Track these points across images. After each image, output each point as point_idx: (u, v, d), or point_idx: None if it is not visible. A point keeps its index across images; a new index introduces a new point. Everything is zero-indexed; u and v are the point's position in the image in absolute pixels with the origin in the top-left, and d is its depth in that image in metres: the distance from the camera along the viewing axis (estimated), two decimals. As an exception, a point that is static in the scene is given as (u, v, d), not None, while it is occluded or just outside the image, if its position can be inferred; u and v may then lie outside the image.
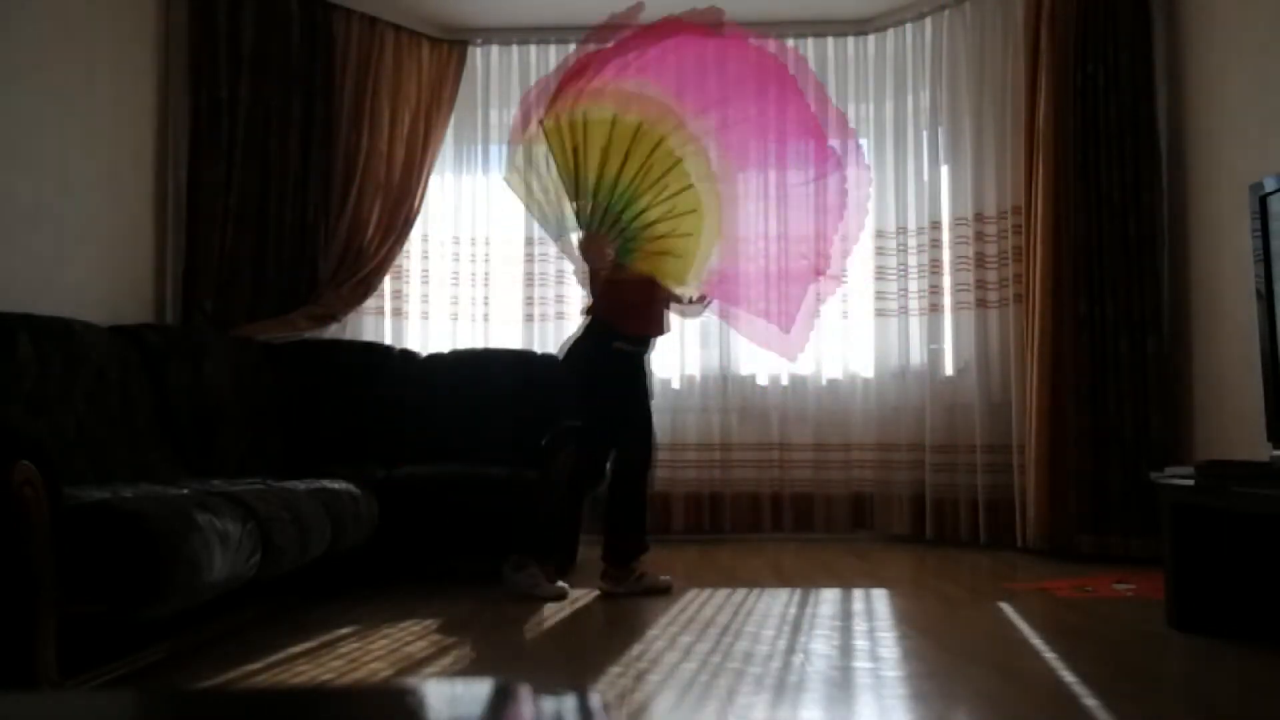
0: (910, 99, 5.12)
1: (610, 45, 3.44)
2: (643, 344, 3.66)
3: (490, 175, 5.32)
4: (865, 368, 5.12)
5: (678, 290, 3.69)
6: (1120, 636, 2.83)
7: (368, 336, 4.96)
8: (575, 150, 3.44)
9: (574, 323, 5.16)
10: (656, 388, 5.14)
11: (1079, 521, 4.16)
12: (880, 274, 5.12)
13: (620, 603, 3.40)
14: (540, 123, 3.43)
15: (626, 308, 3.56)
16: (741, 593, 3.52)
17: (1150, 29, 4.24)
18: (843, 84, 5.22)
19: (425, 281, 5.26)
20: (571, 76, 3.44)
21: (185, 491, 2.66)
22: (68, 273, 3.76)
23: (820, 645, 2.73)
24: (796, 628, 2.96)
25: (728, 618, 3.10)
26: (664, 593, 3.54)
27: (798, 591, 3.55)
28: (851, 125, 3.96)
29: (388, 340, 5.01)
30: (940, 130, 4.98)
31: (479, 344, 5.13)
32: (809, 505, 5.09)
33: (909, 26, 5.11)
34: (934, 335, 4.96)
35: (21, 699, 0.98)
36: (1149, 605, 3.15)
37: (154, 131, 4.40)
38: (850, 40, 5.23)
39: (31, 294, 3.46)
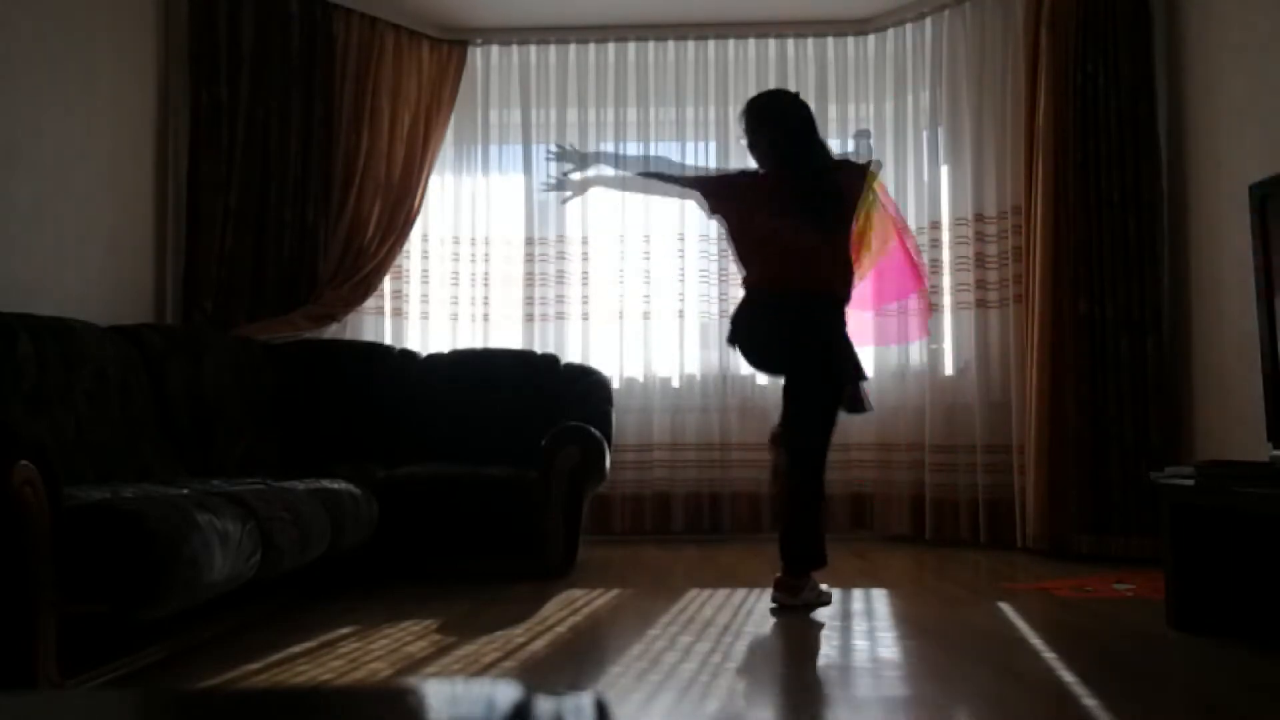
0: (910, 99, 5.12)
1: None
2: None
3: (490, 175, 5.33)
4: (865, 368, 5.11)
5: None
6: (1120, 636, 2.83)
7: (368, 336, 4.96)
8: None
9: (574, 322, 5.18)
10: (656, 386, 5.16)
11: (1079, 521, 4.15)
12: (880, 274, 5.12)
13: (620, 604, 3.40)
14: None
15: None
16: (741, 593, 3.52)
17: (1150, 29, 4.24)
18: (843, 84, 5.23)
19: (425, 281, 5.26)
20: None
21: (185, 491, 2.66)
22: (68, 273, 3.76)
23: (820, 645, 2.73)
24: (796, 628, 2.96)
25: (728, 618, 3.10)
26: (827, 605, 3.22)
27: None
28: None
29: (388, 340, 5.01)
30: (940, 130, 4.98)
31: (479, 344, 5.14)
32: (809, 505, 5.08)
33: (909, 26, 5.11)
34: (934, 335, 4.96)
35: (21, 699, 0.99)
36: (1149, 605, 3.14)
37: (154, 131, 4.40)
38: (850, 40, 5.23)
39: (31, 294, 3.47)
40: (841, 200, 3.30)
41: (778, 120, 3.37)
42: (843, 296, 3.32)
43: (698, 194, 3.50)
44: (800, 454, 3.25)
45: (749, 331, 3.33)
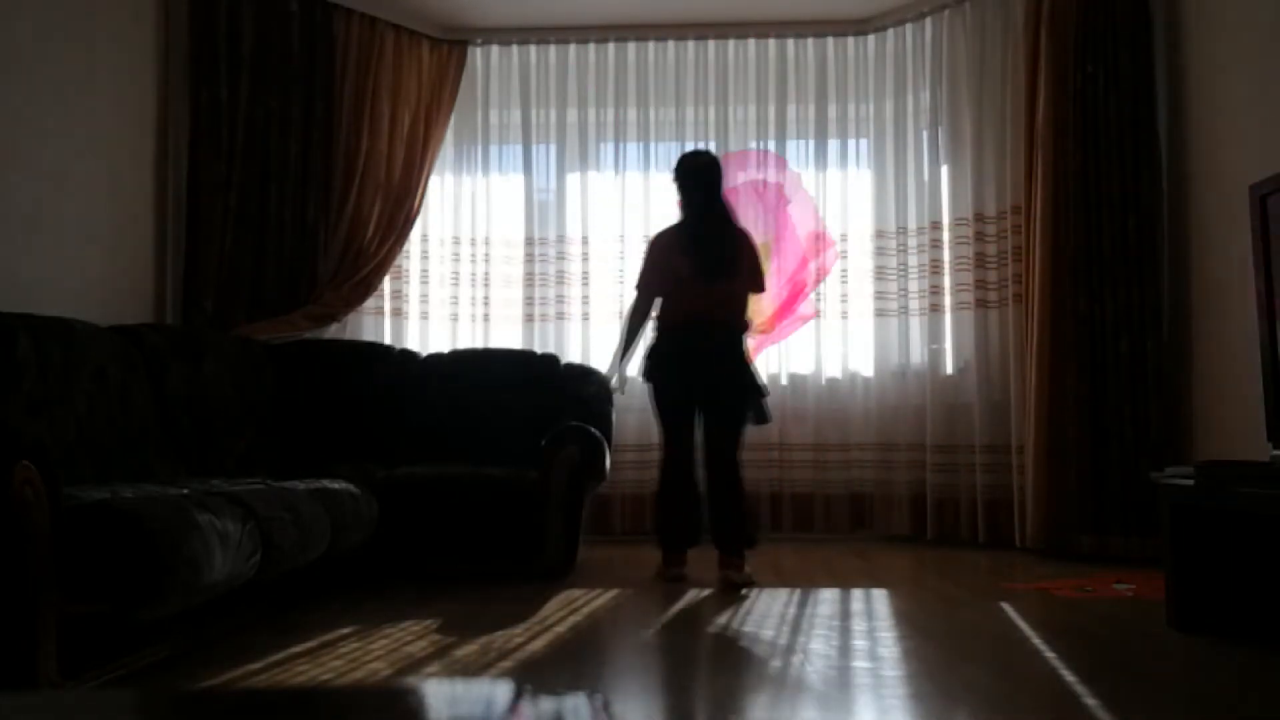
0: (910, 99, 5.12)
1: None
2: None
3: (490, 175, 5.33)
4: (865, 367, 5.13)
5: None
6: (1120, 636, 2.83)
7: (368, 336, 4.96)
8: None
9: (574, 323, 5.18)
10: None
11: (1079, 521, 4.15)
12: (880, 274, 5.12)
13: (620, 604, 3.40)
14: None
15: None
16: (741, 592, 3.52)
17: (1150, 29, 4.24)
18: (843, 84, 5.23)
19: (425, 281, 5.26)
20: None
21: (185, 491, 2.66)
22: (68, 273, 3.76)
23: (820, 645, 2.73)
24: (796, 627, 2.96)
25: (726, 617, 3.10)
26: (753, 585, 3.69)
27: (797, 591, 3.55)
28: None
29: (388, 340, 5.02)
30: (940, 130, 4.98)
31: (479, 344, 5.14)
32: (808, 505, 5.09)
33: (909, 26, 5.11)
34: (934, 335, 4.96)
35: (21, 699, 0.99)
36: (1149, 605, 3.15)
37: (154, 131, 4.40)
38: (850, 40, 5.23)
39: (31, 294, 3.47)
40: (739, 252, 3.86)
41: (695, 179, 3.94)
42: (741, 327, 3.87)
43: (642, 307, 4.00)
44: (729, 461, 3.80)
45: (669, 361, 3.84)
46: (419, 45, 5.13)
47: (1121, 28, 4.23)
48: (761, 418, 3.87)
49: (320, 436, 4.21)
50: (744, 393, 3.82)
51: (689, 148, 5.22)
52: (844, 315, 5.17)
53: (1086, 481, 4.16)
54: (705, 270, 3.79)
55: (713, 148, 5.28)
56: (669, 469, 3.87)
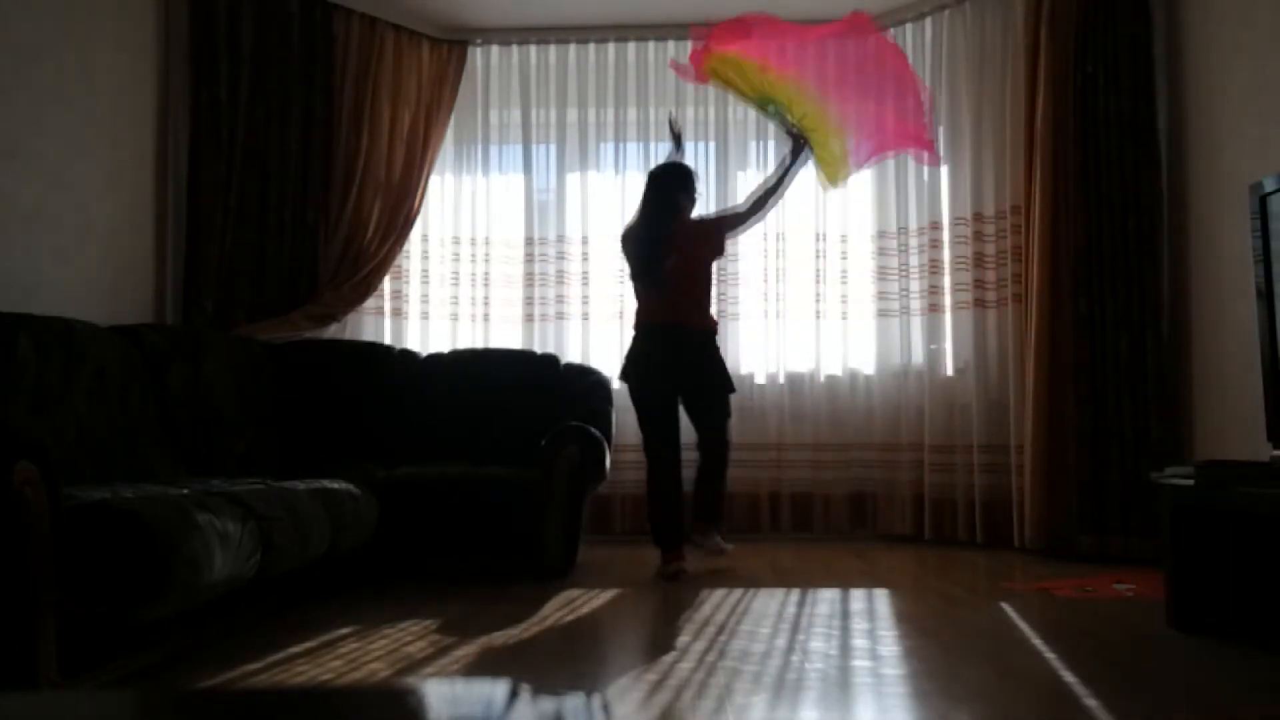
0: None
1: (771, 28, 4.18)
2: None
3: (490, 175, 5.33)
4: (865, 367, 5.13)
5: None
6: (1120, 636, 2.83)
7: (368, 336, 4.96)
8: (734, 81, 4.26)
9: (574, 322, 5.19)
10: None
11: (1079, 521, 4.15)
12: (881, 274, 5.12)
13: (620, 604, 3.40)
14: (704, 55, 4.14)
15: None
16: (739, 592, 3.52)
17: (1150, 29, 4.24)
18: (843, 84, 5.22)
19: (425, 281, 5.26)
20: (734, 33, 4.11)
21: (185, 491, 2.66)
22: (68, 273, 3.76)
23: (819, 645, 2.73)
24: (795, 627, 2.96)
25: (725, 617, 3.10)
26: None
27: (796, 591, 3.55)
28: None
29: (388, 340, 5.01)
30: (940, 130, 4.98)
31: (479, 344, 5.14)
32: (808, 505, 5.08)
33: (909, 26, 5.10)
34: (934, 335, 4.96)
35: (21, 699, 0.99)
36: (1149, 605, 3.15)
37: (154, 131, 4.40)
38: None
39: (31, 294, 3.47)
40: (669, 245, 3.97)
41: (651, 186, 4.15)
42: (703, 326, 4.04)
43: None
44: (722, 440, 4.12)
45: (641, 363, 4.02)
46: (419, 45, 5.13)
47: (1121, 28, 4.23)
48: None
49: (320, 436, 4.21)
50: (716, 384, 4.08)
51: (689, 148, 5.22)
52: (844, 315, 5.17)
53: (1086, 481, 4.16)
54: (645, 274, 4.01)
55: (712, 148, 5.30)
56: (655, 467, 3.98)
